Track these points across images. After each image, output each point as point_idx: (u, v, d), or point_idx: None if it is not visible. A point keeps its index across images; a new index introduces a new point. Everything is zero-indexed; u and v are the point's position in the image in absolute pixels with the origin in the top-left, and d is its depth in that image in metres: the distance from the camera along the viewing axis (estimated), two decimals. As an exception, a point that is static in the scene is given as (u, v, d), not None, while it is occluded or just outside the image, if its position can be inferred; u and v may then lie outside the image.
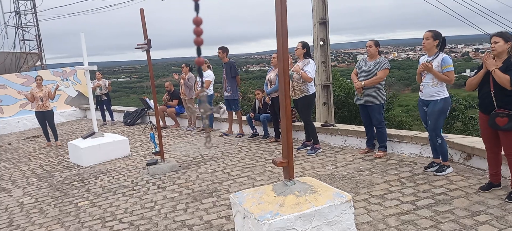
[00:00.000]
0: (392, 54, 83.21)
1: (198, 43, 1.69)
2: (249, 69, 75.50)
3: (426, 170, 4.64)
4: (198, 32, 1.68)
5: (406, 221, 3.45)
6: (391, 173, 4.72)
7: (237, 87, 7.87)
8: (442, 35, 4.41)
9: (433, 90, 4.39)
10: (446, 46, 4.55)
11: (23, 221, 4.50)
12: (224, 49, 7.74)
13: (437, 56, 4.36)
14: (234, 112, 8.11)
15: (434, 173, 4.51)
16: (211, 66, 8.75)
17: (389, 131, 5.61)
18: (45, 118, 8.82)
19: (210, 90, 8.58)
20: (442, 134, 4.58)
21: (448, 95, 4.43)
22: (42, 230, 4.20)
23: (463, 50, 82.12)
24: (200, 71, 1.89)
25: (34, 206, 4.99)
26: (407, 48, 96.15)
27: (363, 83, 5.29)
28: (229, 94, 7.75)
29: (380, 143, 5.47)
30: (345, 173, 4.93)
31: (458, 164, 4.79)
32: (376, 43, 5.36)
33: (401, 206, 3.76)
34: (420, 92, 4.57)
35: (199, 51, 1.70)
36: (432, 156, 4.79)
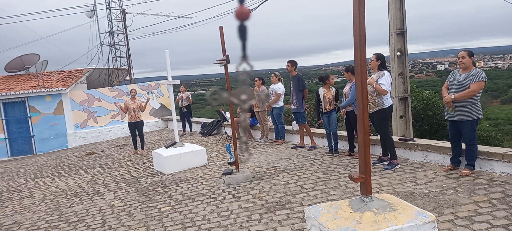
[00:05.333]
0: (477, 64, 76.37)
1: None
2: (321, 81, 74.61)
3: (522, 192, 4.20)
4: None
5: (499, 247, 3.16)
6: (479, 193, 4.35)
7: (304, 101, 7.93)
8: None
9: None
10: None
11: (114, 223, 4.96)
12: (293, 63, 7.84)
13: None
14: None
15: (532, 195, 4.06)
16: (282, 79, 8.89)
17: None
18: (136, 127, 9.67)
19: (280, 103, 8.72)
20: None
21: None
22: (131, 231, 4.59)
23: None
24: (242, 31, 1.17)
25: (123, 209, 5.47)
26: (495, 56, 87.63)
27: (453, 97, 4.94)
28: (295, 107, 7.86)
29: (469, 160, 5.05)
30: (427, 191, 4.65)
31: (561, 187, 4.26)
32: (470, 54, 4.93)
33: (492, 230, 3.45)
34: None
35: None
36: (529, 177, 4.32)
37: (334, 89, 7.00)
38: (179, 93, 12.12)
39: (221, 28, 5.82)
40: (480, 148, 5.23)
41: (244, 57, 1.24)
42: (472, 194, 4.35)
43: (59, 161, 10.55)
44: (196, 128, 12.60)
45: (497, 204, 4.01)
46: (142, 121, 9.80)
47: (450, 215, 3.87)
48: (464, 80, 4.87)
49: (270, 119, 9.26)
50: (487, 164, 5.06)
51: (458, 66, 5.15)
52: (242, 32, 1.21)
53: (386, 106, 5.71)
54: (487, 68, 73.09)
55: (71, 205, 5.99)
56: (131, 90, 10.01)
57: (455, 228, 3.58)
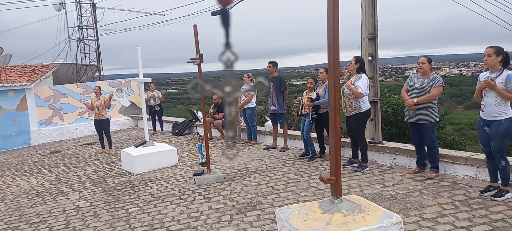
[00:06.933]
0: (443, 70, 79.59)
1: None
2: (293, 82, 75.31)
3: (483, 194, 4.37)
4: None
5: (461, 247, 3.27)
6: (443, 195, 4.50)
7: (284, 102, 7.92)
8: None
9: (496, 109, 4.14)
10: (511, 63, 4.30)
11: (78, 224, 4.78)
12: (274, 64, 7.84)
13: (501, 73, 4.13)
14: (278, 126, 8.14)
15: (492, 197, 4.23)
16: (254, 79, 8.87)
17: (442, 151, 5.36)
18: (101, 126, 9.36)
19: (253, 104, 8.71)
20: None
21: None
22: (96, 233, 4.43)
23: (523, 67, 76.56)
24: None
25: (89, 209, 5.27)
26: (460, 64, 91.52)
27: (416, 100, 5.11)
28: (276, 108, 7.82)
29: (432, 163, 5.24)
30: (394, 193, 4.76)
31: (519, 190, 4.46)
32: (429, 60, 5.21)
33: (455, 231, 3.57)
34: (481, 112, 4.33)
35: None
36: (489, 179, 4.50)
37: (314, 94, 6.76)
38: (148, 92, 11.80)
39: (195, 26, 5.73)
40: (445, 151, 5.42)
41: (228, 45, 1.14)
42: (436, 196, 4.49)
43: (21, 159, 10.08)
44: (167, 127, 12.39)
45: (460, 206, 4.15)
46: (108, 119, 9.49)
47: (416, 216, 3.97)
48: (425, 85, 5.10)
49: (243, 119, 9.23)
50: (451, 167, 5.24)
51: (417, 70, 5.37)
52: (225, 18, 1.12)
53: (363, 111, 5.77)
54: (452, 75, 76.16)
55: (33, 205, 5.73)
56: (95, 87, 9.73)
57: (420, 229, 3.68)
